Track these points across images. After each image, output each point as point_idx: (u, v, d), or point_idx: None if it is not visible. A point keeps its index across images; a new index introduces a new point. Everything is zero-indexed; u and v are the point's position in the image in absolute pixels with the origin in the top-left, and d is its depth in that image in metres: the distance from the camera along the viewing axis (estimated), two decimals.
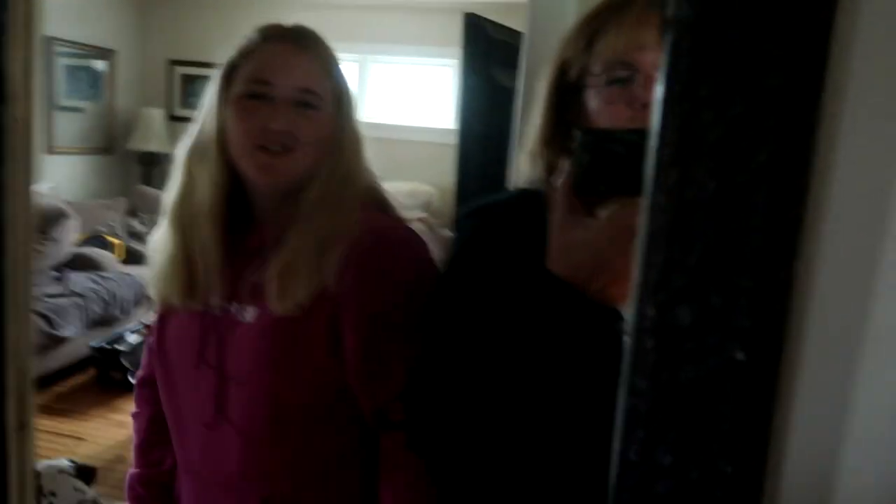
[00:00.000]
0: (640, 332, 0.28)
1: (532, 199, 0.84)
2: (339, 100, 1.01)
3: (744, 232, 0.26)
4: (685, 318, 0.27)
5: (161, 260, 1.06)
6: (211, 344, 0.99)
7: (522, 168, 0.89)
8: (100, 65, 5.16)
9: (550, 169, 0.84)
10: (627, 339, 0.83)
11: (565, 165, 0.71)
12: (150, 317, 3.13)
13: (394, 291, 0.93)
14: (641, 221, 0.28)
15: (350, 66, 5.02)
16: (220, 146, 0.99)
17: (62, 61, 4.85)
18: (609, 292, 0.68)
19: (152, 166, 5.30)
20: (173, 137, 5.26)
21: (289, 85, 0.97)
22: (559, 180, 0.71)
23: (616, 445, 0.29)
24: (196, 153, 1.03)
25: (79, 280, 3.89)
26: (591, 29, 0.81)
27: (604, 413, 0.76)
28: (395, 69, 5.22)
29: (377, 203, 1.03)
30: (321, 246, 0.94)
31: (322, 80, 0.99)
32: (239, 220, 1.03)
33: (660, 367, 0.27)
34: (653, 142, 0.27)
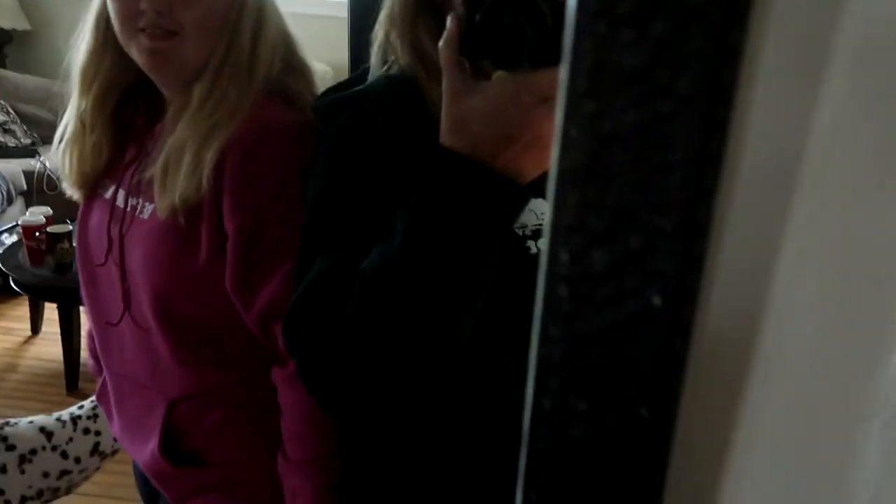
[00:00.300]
0: (553, 278, 0.25)
1: (403, 86, 0.76)
2: None
3: (664, 169, 0.23)
4: (601, 262, 0.25)
5: (64, 144, 1.02)
6: (115, 240, 0.96)
7: (378, 56, 0.80)
8: None
9: (419, 53, 0.76)
10: (534, 246, 0.81)
11: (449, 22, 0.62)
12: (27, 215, 2.90)
13: (271, 195, 0.87)
14: (556, 90, 0.25)
15: None
16: (108, 31, 0.92)
17: None
18: (519, 164, 0.60)
19: (4, 46, 4.72)
20: (28, 12, 4.72)
21: None
22: (442, 41, 0.62)
23: (529, 391, 0.27)
24: (93, 35, 0.97)
25: None
26: None
27: (510, 335, 0.75)
28: None
29: (283, 95, 0.94)
30: (202, 142, 0.87)
31: None
32: (151, 109, 0.98)
33: (574, 316, 0.25)
34: (563, 68, 0.23)
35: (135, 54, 0.90)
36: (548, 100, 0.58)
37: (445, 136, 0.62)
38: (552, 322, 0.26)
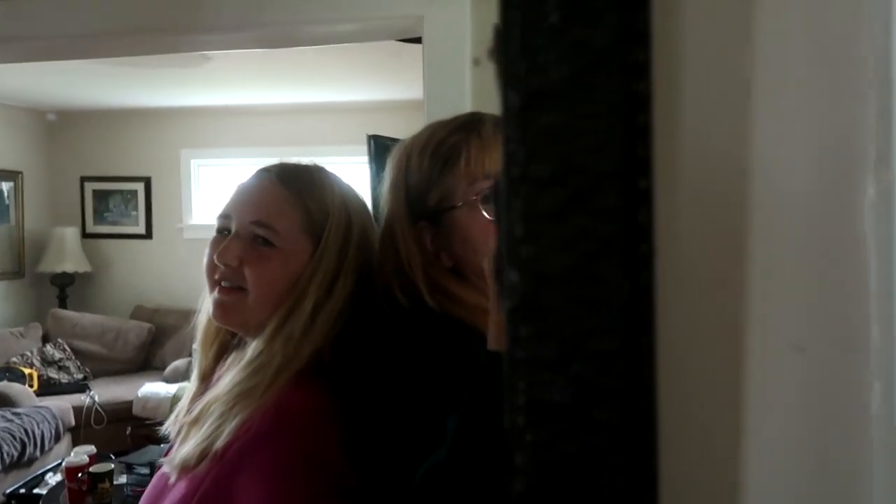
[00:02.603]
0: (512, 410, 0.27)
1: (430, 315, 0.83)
2: (316, 239, 0.91)
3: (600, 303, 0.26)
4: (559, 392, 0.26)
5: (183, 398, 1.00)
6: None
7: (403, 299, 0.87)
8: (5, 186, 5.00)
9: (445, 293, 0.85)
10: None
11: (492, 242, 0.71)
12: (71, 455, 2.93)
13: (270, 483, 0.81)
14: None
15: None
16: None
17: None
18: None
19: (67, 287, 5.08)
20: (90, 255, 5.14)
21: (244, 218, 0.91)
22: (485, 257, 0.70)
23: None
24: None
25: None
26: (444, 153, 0.86)
27: None
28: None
29: (316, 369, 0.88)
30: (228, 408, 0.85)
31: (284, 214, 0.90)
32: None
33: (535, 445, 0.26)
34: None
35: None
36: None
37: (491, 340, 0.66)
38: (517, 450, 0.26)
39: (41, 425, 3.76)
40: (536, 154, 0.26)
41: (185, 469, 0.83)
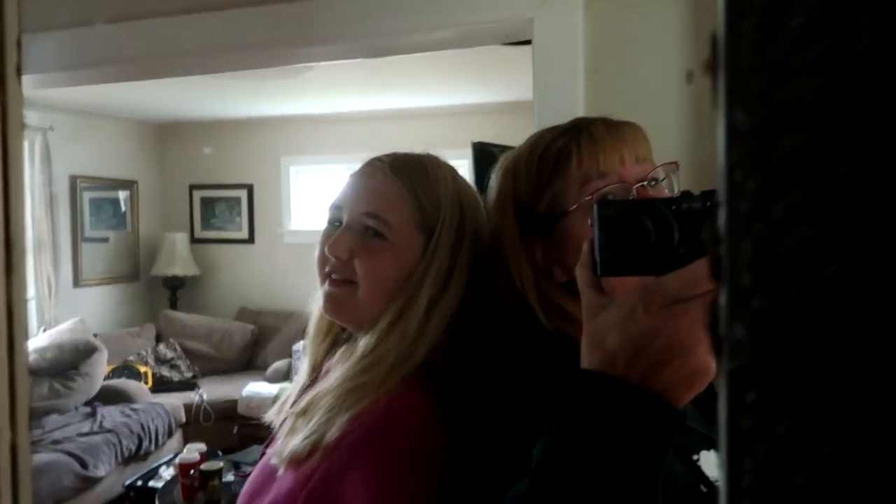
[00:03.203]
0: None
1: (543, 338, 0.78)
2: (428, 233, 0.88)
3: None
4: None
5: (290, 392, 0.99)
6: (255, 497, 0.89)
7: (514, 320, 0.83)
8: (122, 195, 5.32)
9: (559, 314, 0.80)
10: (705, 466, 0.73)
11: (584, 247, 0.65)
12: (184, 452, 3.07)
13: (380, 480, 0.78)
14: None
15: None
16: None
17: (87, 195, 5.01)
18: (660, 379, 0.54)
19: (178, 290, 5.35)
20: (198, 259, 5.40)
21: (356, 209, 0.89)
22: (578, 265, 0.63)
23: None
24: None
25: (110, 414, 3.86)
26: (553, 155, 0.82)
27: None
28: None
29: (429, 371, 0.85)
30: (340, 402, 0.82)
31: (397, 206, 0.88)
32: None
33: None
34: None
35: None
36: (678, 302, 0.56)
37: (584, 358, 0.59)
38: None
39: (155, 421, 3.97)
40: (776, 186, 0.21)
41: (294, 461, 0.81)
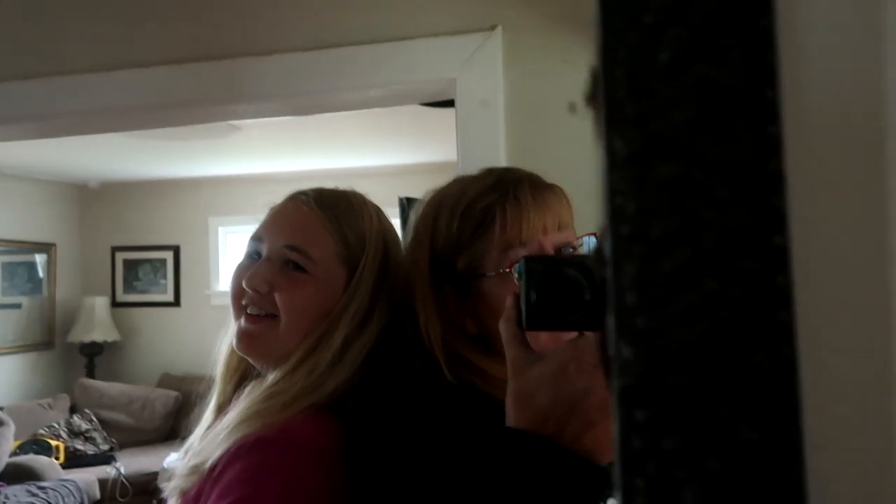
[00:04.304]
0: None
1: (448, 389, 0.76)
2: (351, 269, 0.86)
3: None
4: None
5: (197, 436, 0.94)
6: None
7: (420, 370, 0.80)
8: (39, 258, 5.08)
9: (456, 361, 0.79)
10: None
11: (507, 301, 0.65)
12: None
13: (242, 487, 0.73)
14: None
15: None
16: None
17: (0, 259, 4.76)
18: (589, 439, 0.55)
19: (96, 357, 5.09)
20: (118, 324, 5.16)
21: (277, 242, 0.86)
22: (502, 319, 0.64)
23: None
24: None
25: (15, 494, 3.58)
26: (477, 216, 0.80)
27: None
28: None
29: (336, 410, 0.80)
30: (232, 428, 0.78)
31: (320, 240, 0.86)
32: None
33: None
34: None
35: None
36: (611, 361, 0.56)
37: (510, 415, 0.59)
38: None
39: (66, 500, 3.70)
40: (652, 209, 0.22)
41: (180, 491, 0.78)
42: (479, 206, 0.81)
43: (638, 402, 0.23)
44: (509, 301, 0.64)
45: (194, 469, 0.77)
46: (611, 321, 0.23)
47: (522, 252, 0.78)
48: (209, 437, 0.81)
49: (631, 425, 0.23)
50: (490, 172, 0.87)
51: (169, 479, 0.85)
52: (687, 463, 0.22)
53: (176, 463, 0.91)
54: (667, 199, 0.22)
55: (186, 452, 0.88)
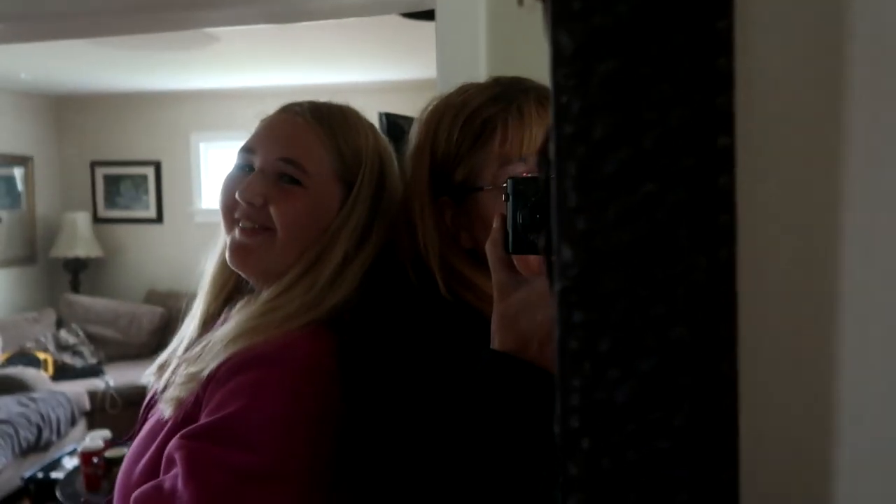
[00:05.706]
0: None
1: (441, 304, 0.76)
2: (348, 185, 0.85)
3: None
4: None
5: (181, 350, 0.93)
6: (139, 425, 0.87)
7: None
8: (16, 172, 4.99)
9: (462, 282, 0.78)
10: None
11: (494, 223, 0.65)
12: (86, 440, 2.93)
13: (245, 400, 0.74)
14: None
15: None
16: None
17: None
18: None
19: (80, 273, 5.08)
20: (101, 240, 5.14)
21: (271, 154, 0.83)
22: (489, 241, 0.64)
23: None
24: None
25: (5, 404, 3.64)
26: (478, 126, 0.77)
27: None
28: None
29: (334, 324, 0.80)
30: (227, 341, 0.78)
31: (315, 154, 0.83)
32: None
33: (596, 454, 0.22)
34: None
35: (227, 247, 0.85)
36: None
37: (494, 336, 0.60)
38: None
39: (56, 410, 3.77)
40: (596, 107, 0.21)
41: (177, 402, 0.77)
42: (480, 117, 0.78)
43: (576, 303, 0.23)
44: (496, 223, 0.63)
45: (191, 377, 0.77)
46: (553, 223, 0.23)
47: (521, 168, 0.76)
48: (206, 348, 0.81)
49: (569, 327, 0.23)
50: (497, 82, 0.83)
51: (163, 391, 0.84)
52: (620, 362, 0.22)
53: (151, 377, 0.91)
54: (609, 96, 0.21)
55: (160, 367, 0.89)
